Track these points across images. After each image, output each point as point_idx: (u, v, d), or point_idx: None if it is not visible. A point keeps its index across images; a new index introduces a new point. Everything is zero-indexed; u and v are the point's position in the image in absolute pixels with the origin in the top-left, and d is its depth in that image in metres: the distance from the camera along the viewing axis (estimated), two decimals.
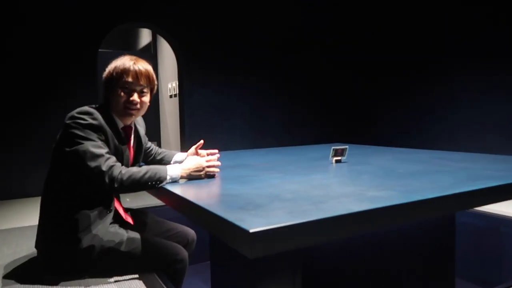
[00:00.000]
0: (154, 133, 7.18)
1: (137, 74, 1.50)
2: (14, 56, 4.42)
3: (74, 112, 1.43)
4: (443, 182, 1.31)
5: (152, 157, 1.85)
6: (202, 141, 1.81)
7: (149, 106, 1.59)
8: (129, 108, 1.51)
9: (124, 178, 1.35)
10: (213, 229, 1.01)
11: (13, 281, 1.41)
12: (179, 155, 1.84)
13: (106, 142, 1.44)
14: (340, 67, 6.38)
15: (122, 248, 1.45)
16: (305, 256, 1.42)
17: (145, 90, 1.54)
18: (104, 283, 1.39)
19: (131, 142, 1.62)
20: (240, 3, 5.65)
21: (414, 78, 5.41)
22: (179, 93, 5.59)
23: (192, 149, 1.81)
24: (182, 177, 1.45)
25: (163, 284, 1.40)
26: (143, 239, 1.50)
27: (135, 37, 8.71)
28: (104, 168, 1.34)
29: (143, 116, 1.70)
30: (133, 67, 1.50)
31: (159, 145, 7.30)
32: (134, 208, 1.81)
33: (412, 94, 5.45)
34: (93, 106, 1.49)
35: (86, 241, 1.41)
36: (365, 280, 1.74)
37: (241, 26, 5.67)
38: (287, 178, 1.49)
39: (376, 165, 1.79)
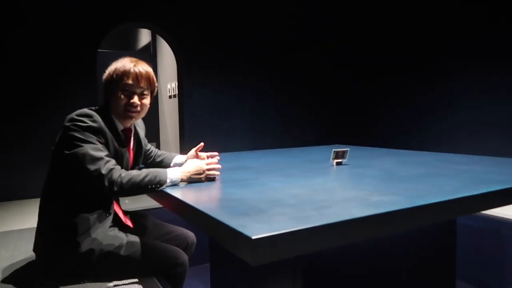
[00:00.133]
0: (153, 133, 7.16)
1: (137, 76, 1.48)
2: (14, 56, 4.40)
3: (73, 114, 1.41)
4: (447, 186, 1.30)
5: (151, 159, 1.83)
6: (202, 144, 1.80)
7: (149, 108, 1.57)
8: (129, 110, 1.50)
9: (124, 181, 1.33)
10: (214, 234, 0.99)
11: (11, 286, 1.39)
12: (178, 158, 1.82)
13: (106, 144, 1.43)
14: (340, 67, 6.37)
15: (122, 252, 1.44)
16: (306, 259, 1.40)
17: (145, 92, 1.53)
18: (104, 287, 1.38)
19: (131, 145, 1.61)
20: (240, 3, 5.64)
21: (414, 78, 5.39)
22: (178, 93, 5.57)
23: (192, 151, 1.80)
24: (182, 181, 1.44)
25: None
26: (142, 243, 1.49)
27: (135, 37, 8.69)
28: (103, 171, 1.32)
29: (143, 118, 1.68)
30: (134, 69, 1.48)
31: (158, 146, 7.28)
32: (134, 210, 1.80)
33: (412, 94, 5.43)
34: (93, 108, 1.48)
35: (85, 245, 1.40)
36: (366, 282, 1.73)
37: (241, 26, 5.65)
38: (288, 181, 1.48)
39: (378, 168, 1.78)
